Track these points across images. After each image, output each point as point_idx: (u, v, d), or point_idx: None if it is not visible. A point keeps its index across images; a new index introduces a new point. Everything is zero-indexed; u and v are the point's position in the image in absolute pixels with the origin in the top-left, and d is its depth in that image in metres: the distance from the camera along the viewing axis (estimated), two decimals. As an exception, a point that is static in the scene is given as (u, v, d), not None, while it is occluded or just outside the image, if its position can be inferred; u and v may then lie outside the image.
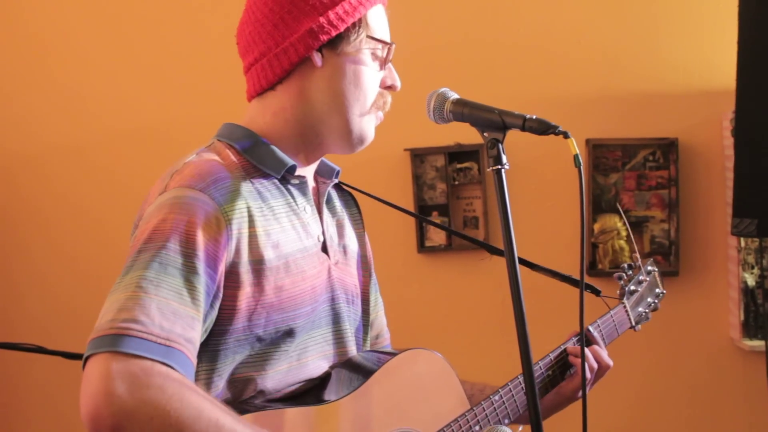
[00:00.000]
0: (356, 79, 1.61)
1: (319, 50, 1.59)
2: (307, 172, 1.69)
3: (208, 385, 1.51)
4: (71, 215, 3.69)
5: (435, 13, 3.51)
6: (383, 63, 1.65)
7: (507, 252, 1.45)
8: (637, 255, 2.14)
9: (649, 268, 2.13)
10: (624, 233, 3.42)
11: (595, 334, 1.96)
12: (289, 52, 1.59)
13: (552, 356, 1.89)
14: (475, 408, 1.74)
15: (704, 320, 3.44)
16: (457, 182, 3.50)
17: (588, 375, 1.88)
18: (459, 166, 3.49)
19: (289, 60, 1.59)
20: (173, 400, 1.31)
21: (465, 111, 1.53)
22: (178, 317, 1.37)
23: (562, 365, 1.91)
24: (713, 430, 3.46)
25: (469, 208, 3.51)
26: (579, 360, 1.88)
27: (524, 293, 1.45)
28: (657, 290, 2.13)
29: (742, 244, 3.31)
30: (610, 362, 1.92)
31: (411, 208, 3.47)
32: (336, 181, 1.76)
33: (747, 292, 3.33)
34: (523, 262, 1.94)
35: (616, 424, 3.46)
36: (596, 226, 3.44)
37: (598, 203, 3.44)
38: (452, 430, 1.70)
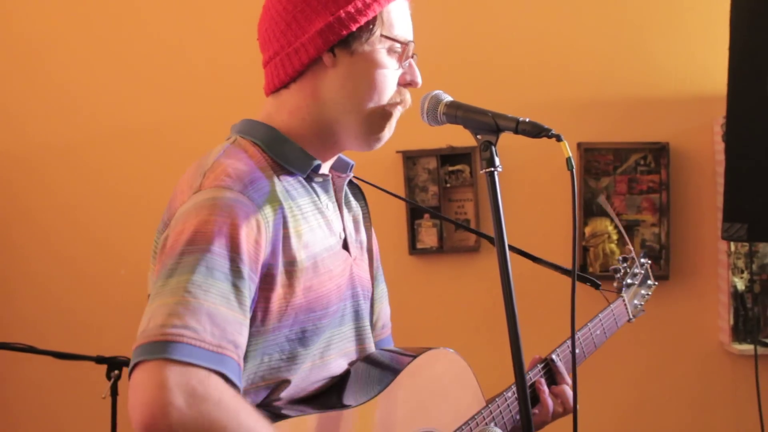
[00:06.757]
0: (370, 79, 1.58)
1: (332, 50, 1.57)
2: (326, 168, 1.67)
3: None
4: (63, 215, 3.68)
5: (429, 16, 3.49)
6: (401, 60, 1.62)
7: (499, 254, 1.45)
8: (631, 248, 2.13)
9: (642, 260, 2.15)
10: (615, 237, 3.43)
11: (560, 365, 1.87)
12: (300, 52, 1.57)
13: (515, 389, 1.70)
14: (490, 405, 1.74)
15: (694, 324, 3.45)
16: (449, 185, 3.50)
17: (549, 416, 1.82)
18: (451, 168, 3.50)
19: (300, 60, 1.58)
20: (230, 416, 1.31)
21: (458, 113, 1.54)
22: (227, 323, 1.36)
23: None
24: (702, 433, 3.48)
25: (461, 210, 3.52)
26: (544, 393, 1.82)
27: (517, 295, 1.45)
28: (649, 282, 2.15)
29: (732, 248, 3.33)
30: (570, 405, 1.83)
31: (402, 211, 3.47)
32: (351, 175, 1.74)
33: (737, 297, 3.34)
34: (523, 254, 1.93)
35: (606, 428, 3.46)
36: (587, 230, 3.45)
37: (589, 207, 3.45)
38: (470, 428, 1.70)
